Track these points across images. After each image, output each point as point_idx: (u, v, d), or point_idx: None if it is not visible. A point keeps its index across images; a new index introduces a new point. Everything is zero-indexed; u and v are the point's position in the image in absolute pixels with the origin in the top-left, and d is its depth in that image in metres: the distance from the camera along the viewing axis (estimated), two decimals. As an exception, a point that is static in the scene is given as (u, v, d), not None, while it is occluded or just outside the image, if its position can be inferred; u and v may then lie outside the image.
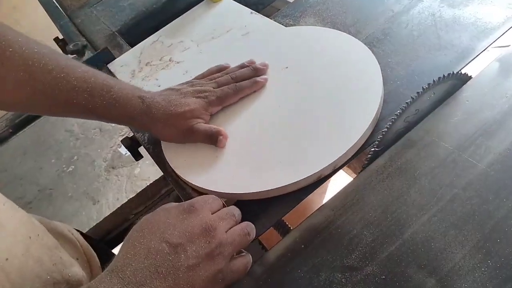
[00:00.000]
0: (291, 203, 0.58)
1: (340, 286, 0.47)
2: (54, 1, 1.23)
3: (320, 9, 0.85)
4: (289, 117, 0.67)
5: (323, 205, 0.56)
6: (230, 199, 0.61)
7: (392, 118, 0.57)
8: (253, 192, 0.59)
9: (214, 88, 0.71)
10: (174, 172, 0.68)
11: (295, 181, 0.57)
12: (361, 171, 0.58)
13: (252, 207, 0.59)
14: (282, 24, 0.85)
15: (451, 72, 0.58)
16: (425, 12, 0.75)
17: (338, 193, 0.56)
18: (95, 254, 0.77)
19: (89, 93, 0.62)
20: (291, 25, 0.85)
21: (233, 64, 0.77)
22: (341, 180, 0.74)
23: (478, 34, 0.68)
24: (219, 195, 0.58)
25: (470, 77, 0.61)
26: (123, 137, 0.85)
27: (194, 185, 0.64)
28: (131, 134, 0.82)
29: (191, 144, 0.68)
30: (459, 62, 0.66)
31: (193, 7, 1.01)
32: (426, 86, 0.56)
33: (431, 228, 0.48)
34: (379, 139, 0.57)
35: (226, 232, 0.50)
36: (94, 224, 0.96)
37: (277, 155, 0.62)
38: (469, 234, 0.45)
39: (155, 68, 0.90)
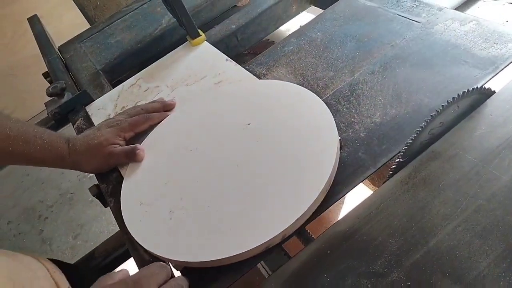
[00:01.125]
0: (243, 269, 0.52)
1: None
2: (47, 35, 1.10)
3: (293, 58, 0.79)
4: (244, 181, 0.58)
5: (348, 213, 0.50)
6: (178, 265, 0.54)
7: (417, 130, 0.51)
8: (200, 261, 0.51)
9: (125, 118, 0.71)
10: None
11: (242, 251, 0.50)
12: (385, 181, 0.52)
13: (201, 274, 0.53)
14: (255, 74, 0.79)
15: (475, 87, 0.53)
16: (396, 68, 0.70)
17: (363, 202, 0.50)
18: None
19: (23, 140, 0.63)
20: (263, 74, 0.79)
21: (200, 113, 0.72)
22: (359, 192, 0.68)
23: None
24: (168, 260, 0.53)
25: (494, 92, 0.57)
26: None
27: (145, 248, 0.55)
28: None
29: (149, 206, 0.61)
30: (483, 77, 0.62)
31: (176, 47, 0.92)
32: (451, 100, 0.51)
33: (456, 237, 0.41)
34: (404, 150, 0.51)
35: None
36: (113, 229, 0.83)
37: (227, 222, 0.54)
38: (494, 244, 0.39)
39: None
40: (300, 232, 0.72)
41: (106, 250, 0.76)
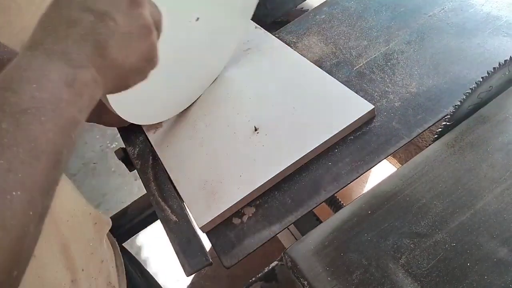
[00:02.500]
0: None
1: (409, 251, 0.42)
2: None
3: (325, 27, 0.76)
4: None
5: (391, 174, 0.49)
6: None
7: (466, 93, 0.49)
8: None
9: None
10: (157, 192, 0.60)
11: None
12: (430, 144, 0.51)
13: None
14: (285, 41, 0.77)
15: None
16: (435, 38, 0.67)
17: (407, 163, 0.49)
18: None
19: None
20: (293, 42, 0.77)
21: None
22: (384, 170, 0.67)
23: None
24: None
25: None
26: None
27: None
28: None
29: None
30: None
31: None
32: (502, 63, 0.48)
33: (504, 200, 0.39)
34: (451, 113, 0.49)
35: None
36: (134, 199, 0.83)
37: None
38: (545, 207, 0.36)
39: None
40: (331, 200, 0.71)
41: (138, 208, 0.76)
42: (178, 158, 0.63)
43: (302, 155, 0.57)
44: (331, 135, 0.57)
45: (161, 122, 0.70)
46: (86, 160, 2.09)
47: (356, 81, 0.65)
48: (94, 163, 2.07)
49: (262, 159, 0.58)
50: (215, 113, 0.67)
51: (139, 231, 0.77)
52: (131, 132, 0.71)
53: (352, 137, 0.58)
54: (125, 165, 0.73)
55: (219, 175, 0.59)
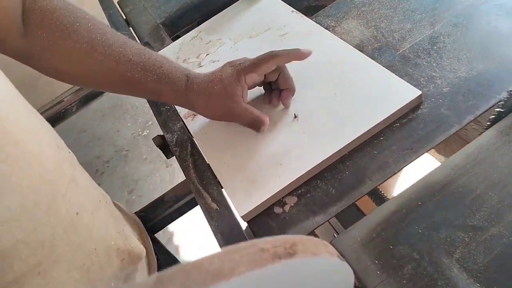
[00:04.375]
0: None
1: (463, 245, 0.40)
2: None
3: (365, 10, 0.73)
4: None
5: (441, 164, 0.46)
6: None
7: None
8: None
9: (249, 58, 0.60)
10: (197, 179, 0.59)
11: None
12: (483, 132, 0.48)
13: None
14: (323, 26, 0.74)
15: None
16: (483, 19, 0.63)
17: (459, 152, 0.46)
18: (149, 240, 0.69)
19: (142, 67, 0.55)
20: (332, 26, 0.74)
21: None
22: (425, 164, 0.65)
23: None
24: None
25: None
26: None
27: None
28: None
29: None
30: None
31: (236, 1, 0.88)
32: None
33: None
34: (505, 99, 0.46)
35: None
36: (166, 186, 0.83)
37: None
38: None
39: (191, 66, 0.76)
40: (373, 192, 0.69)
41: (175, 196, 0.75)
42: (216, 145, 0.62)
43: (345, 143, 0.54)
44: (376, 122, 0.55)
45: (198, 109, 0.69)
46: (118, 147, 2.11)
47: (400, 66, 0.62)
48: (127, 150, 2.09)
49: (303, 147, 0.56)
50: (253, 100, 0.65)
51: (175, 219, 0.76)
52: (169, 119, 0.70)
53: (398, 124, 0.55)
54: (163, 152, 0.72)
55: (259, 163, 0.57)
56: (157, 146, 0.72)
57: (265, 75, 0.59)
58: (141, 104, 2.20)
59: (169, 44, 0.87)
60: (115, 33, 0.56)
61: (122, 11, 1.08)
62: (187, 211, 0.77)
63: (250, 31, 0.79)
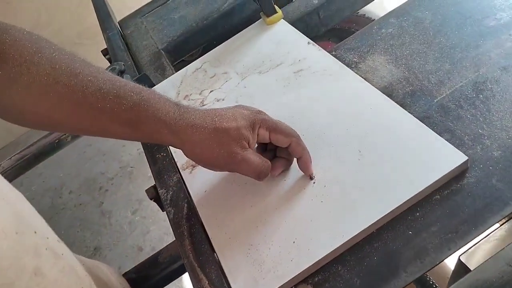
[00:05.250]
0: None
1: None
2: (108, 7, 1.00)
3: (394, 44, 0.62)
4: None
5: (495, 255, 0.38)
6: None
7: None
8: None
9: (269, 117, 0.51)
10: (192, 254, 0.49)
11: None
12: None
13: None
14: (344, 61, 0.64)
15: None
16: None
17: None
18: None
19: (115, 95, 0.45)
20: (355, 62, 0.63)
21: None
22: None
23: None
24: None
25: None
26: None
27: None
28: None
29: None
30: None
31: (246, 25, 0.78)
32: None
33: None
34: None
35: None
36: None
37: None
38: None
39: (193, 104, 0.67)
40: (420, 280, 0.58)
41: (171, 255, 0.65)
42: (218, 209, 0.52)
43: (374, 220, 0.44)
44: (412, 195, 0.44)
45: (198, 160, 0.59)
46: (123, 163, 2.03)
47: (438, 118, 0.51)
48: (132, 167, 2.01)
49: (321, 220, 0.46)
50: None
51: (172, 280, 0.67)
52: (164, 170, 0.61)
53: (438, 196, 0.45)
54: (158, 205, 0.63)
55: (267, 239, 0.47)
56: (151, 199, 0.63)
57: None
58: (148, 119, 2.12)
59: (170, 74, 0.78)
60: (85, 62, 0.48)
61: (122, 32, 0.99)
62: (185, 272, 0.67)
63: (260, 65, 0.69)
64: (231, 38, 0.77)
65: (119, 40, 0.93)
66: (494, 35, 0.57)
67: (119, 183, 1.97)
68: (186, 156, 0.49)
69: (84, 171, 2.19)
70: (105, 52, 0.97)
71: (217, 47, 0.77)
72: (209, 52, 0.77)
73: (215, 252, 0.49)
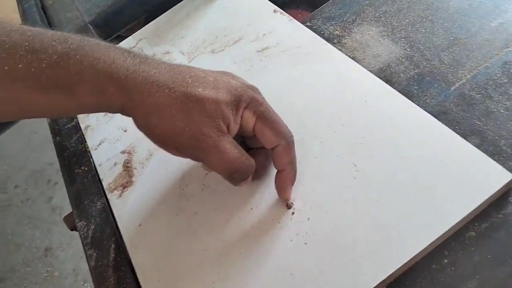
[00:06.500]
0: None
1: None
2: None
3: (387, 11, 0.46)
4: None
5: None
6: None
7: None
8: None
9: (264, 102, 0.36)
10: None
11: None
12: None
13: None
14: (324, 35, 0.48)
15: None
16: None
17: None
18: None
19: (28, 48, 0.29)
20: (338, 36, 0.47)
21: None
22: None
23: None
24: None
25: None
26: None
27: None
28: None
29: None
30: None
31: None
32: None
33: None
34: None
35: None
36: None
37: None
38: None
39: None
40: None
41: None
42: (158, 254, 0.36)
43: (383, 277, 0.29)
44: (437, 236, 0.30)
45: (131, 177, 0.43)
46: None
47: (459, 114, 0.37)
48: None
49: (306, 274, 0.31)
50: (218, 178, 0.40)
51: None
52: (85, 193, 0.44)
53: (473, 233, 0.31)
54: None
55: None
56: (71, 230, 0.46)
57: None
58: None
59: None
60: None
61: (42, 3, 0.79)
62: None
63: (213, 42, 0.53)
64: (173, 8, 0.59)
65: (37, 13, 0.74)
66: (522, -4, 0.42)
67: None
68: (137, 126, 0.33)
69: (31, 162, 1.97)
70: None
71: (155, 19, 0.59)
72: (146, 26, 0.59)
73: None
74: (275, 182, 0.35)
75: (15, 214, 1.80)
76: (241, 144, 0.34)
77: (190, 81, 0.32)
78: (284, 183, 0.35)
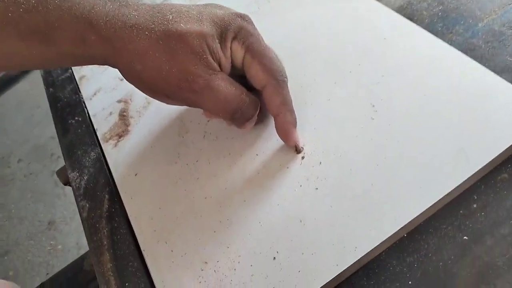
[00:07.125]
0: None
1: None
2: None
3: None
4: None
5: None
6: None
7: None
8: None
9: (259, 39, 0.31)
10: (115, 279, 0.31)
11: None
12: None
13: None
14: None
15: None
16: None
17: None
18: None
19: None
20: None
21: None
22: None
23: None
24: None
25: None
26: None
27: None
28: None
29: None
30: None
31: None
32: None
33: None
34: None
35: None
36: None
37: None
38: None
39: None
40: None
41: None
42: (154, 204, 0.33)
43: (403, 223, 0.26)
44: (465, 177, 0.27)
45: (127, 126, 0.40)
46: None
47: (489, 50, 0.33)
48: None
49: (318, 221, 0.28)
50: (221, 125, 0.36)
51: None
52: (78, 143, 0.41)
53: (505, 175, 0.27)
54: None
55: (230, 253, 0.29)
56: (65, 185, 0.43)
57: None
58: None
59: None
60: None
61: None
62: None
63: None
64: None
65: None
66: None
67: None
68: (124, 76, 0.30)
69: (33, 136, 1.95)
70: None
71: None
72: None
73: (151, 275, 0.30)
74: (276, 129, 0.32)
75: (19, 188, 1.79)
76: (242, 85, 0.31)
77: (171, 17, 0.28)
78: (285, 127, 0.31)
